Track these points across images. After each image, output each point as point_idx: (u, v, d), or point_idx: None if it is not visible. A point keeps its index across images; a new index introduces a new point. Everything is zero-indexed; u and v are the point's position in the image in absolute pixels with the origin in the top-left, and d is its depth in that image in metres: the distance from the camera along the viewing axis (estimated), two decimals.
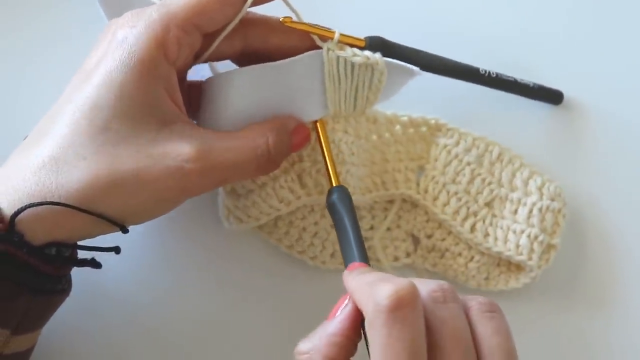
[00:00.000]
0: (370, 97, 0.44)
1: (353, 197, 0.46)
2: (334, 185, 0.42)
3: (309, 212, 0.48)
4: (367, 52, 0.43)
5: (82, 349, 0.46)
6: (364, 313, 0.34)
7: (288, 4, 0.42)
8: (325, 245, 0.49)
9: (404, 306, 0.32)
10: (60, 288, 0.39)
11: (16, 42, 0.51)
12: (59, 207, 0.36)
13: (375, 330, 0.32)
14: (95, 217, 0.36)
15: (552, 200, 0.47)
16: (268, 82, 0.42)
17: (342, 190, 0.42)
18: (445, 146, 0.48)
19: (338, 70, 0.42)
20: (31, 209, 0.35)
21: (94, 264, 0.40)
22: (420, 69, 0.44)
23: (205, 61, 0.43)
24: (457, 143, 0.48)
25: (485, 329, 0.35)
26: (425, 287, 0.35)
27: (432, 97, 0.49)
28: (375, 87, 0.43)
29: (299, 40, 0.42)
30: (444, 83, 0.49)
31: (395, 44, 0.45)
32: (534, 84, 0.51)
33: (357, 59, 0.42)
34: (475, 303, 0.36)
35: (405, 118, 0.48)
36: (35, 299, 0.37)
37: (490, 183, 0.48)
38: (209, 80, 0.43)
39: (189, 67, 0.44)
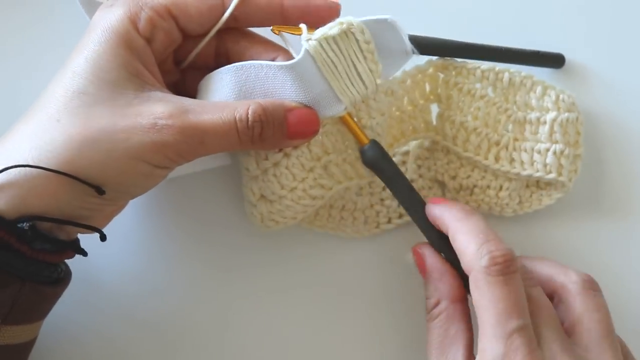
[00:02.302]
0: (372, 66, 0.42)
1: None
2: (366, 141, 0.43)
3: None
4: (338, 20, 0.42)
5: (83, 346, 0.46)
6: (465, 265, 0.39)
7: (284, 40, 0.43)
8: (356, 216, 0.49)
9: (504, 272, 0.37)
10: (50, 276, 0.38)
11: (19, 44, 0.50)
12: (32, 171, 0.35)
13: (482, 287, 0.37)
14: (69, 178, 0.36)
15: (570, 111, 0.47)
16: (265, 82, 0.41)
17: (377, 145, 0.43)
18: (456, 84, 0.47)
19: (327, 54, 0.41)
20: (2, 176, 0.35)
21: (78, 249, 0.40)
22: (418, 52, 0.45)
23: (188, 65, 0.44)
24: (467, 79, 0.47)
25: (585, 305, 0.39)
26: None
27: None
28: (368, 53, 0.42)
29: (263, 44, 0.44)
30: None
31: None
32: (534, 50, 0.50)
33: (333, 31, 0.41)
34: (576, 278, 0.40)
35: (413, 69, 0.47)
36: (24, 287, 0.36)
37: (506, 109, 0.47)
38: (205, 78, 0.43)
39: (171, 71, 0.44)
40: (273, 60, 0.42)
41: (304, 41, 0.41)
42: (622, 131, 0.52)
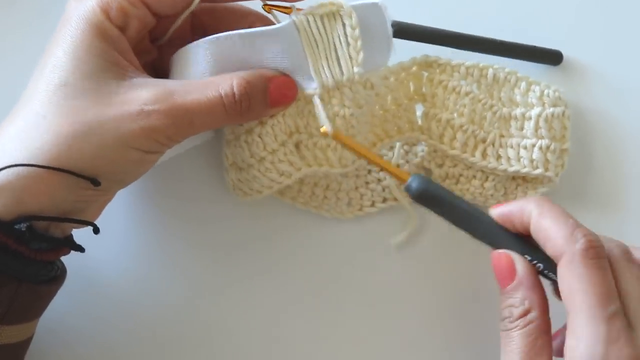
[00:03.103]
0: (352, 53, 0.42)
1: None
2: (406, 178, 0.41)
3: None
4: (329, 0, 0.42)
5: (81, 346, 0.47)
6: (555, 249, 0.37)
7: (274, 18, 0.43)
8: (340, 196, 0.49)
9: (599, 256, 0.36)
10: (47, 275, 0.39)
11: (18, 41, 0.51)
12: (23, 170, 0.35)
13: (578, 270, 0.36)
14: (64, 174, 0.36)
15: (555, 106, 0.46)
16: (242, 52, 0.41)
17: (420, 178, 0.41)
18: (441, 82, 0.46)
19: (312, 31, 0.41)
20: None
21: (75, 246, 0.40)
22: (414, 39, 0.44)
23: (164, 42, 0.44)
24: (451, 76, 0.46)
25: None
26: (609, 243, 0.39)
27: None
28: (352, 39, 0.42)
29: (238, 11, 0.44)
30: (436, 53, 0.47)
31: None
32: (531, 46, 0.49)
33: (321, 9, 0.41)
34: None
35: (396, 66, 0.46)
36: (21, 287, 0.37)
37: (492, 106, 0.47)
38: (176, 54, 0.42)
39: (149, 49, 0.44)
40: (250, 27, 0.42)
41: (293, 15, 0.41)
42: (619, 128, 0.51)
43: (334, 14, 0.42)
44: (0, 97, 0.48)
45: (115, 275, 0.48)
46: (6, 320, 0.37)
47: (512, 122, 0.47)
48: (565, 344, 0.36)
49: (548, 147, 0.46)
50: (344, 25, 0.42)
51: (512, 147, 0.46)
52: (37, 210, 0.36)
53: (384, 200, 0.49)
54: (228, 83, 0.39)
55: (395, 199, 0.49)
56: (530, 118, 0.46)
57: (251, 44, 0.41)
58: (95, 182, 0.37)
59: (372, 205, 0.50)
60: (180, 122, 0.38)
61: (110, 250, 0.48)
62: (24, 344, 0.40)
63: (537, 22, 0.52)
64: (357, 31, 0.41)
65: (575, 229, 0.37)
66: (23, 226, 0.36)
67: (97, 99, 0.37)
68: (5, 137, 0.37)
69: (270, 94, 0.41)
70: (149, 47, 0.44)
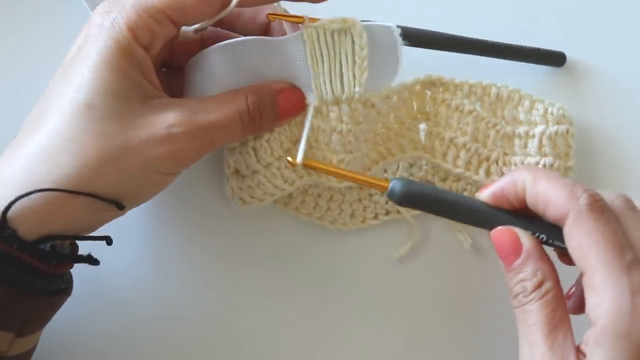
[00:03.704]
0: (357, 72, 0.42)
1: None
2: (386, 185, 0.40)
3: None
4: (342, 17, 0.42)
5: (86, 348, 0.47)
6: (558, 209, 0.36)
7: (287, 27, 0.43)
8: (343, 208, 0.49)
9: (604, 209, 0.36)
10: (63, 287, 0.40)
11: (19, 42, 0.51)
12: (49, 194, 0.36)
13: (587, 225, 0.35)
14: (87, 197, 0.36)
15: (559, 123, 0.46)
16: (254, 58, 0.41)
17: (399, 183, 0.39)
18: (444, 100, 0.46)
19: (320, 45, 0.41)
20: (22, 200, 0.35)
21: (91, 260, 0.41)
22: (417, 45, 0.44)
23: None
24: (454, 94, 0.46)
25: None
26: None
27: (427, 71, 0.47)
28: (359, 58, 0.42)
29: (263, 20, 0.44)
30: (439, 57, 0.48)
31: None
32: (534, 48, 0.49)
33: (334, 25, 0.42)
34: None
35: (399, 86, 0.46)
36: (38, 301, 0.37)
37: (495, 124, 0.47)
38: (191, 60, 0.42)
39: (167, 60, 0.44)
40: None
41: (304, 26, 0.41)
42: (624, 130, 0.51)
43: (345, 31, 0.42)
44: (0, 98, 0.49)
45: (117, 279, 0.48)
46: (23, 332, 0.38)
47: (516, 140, 0.47)
48: (587, 305, 0.35)
49: (552, 165, 0.46)
50: (353, 43, 0.42)
51: (515, 165, 0.46)
52: (59, 230, 0.37)
53: (387, 212, 0.50)
54: (242, 98, 0.40)
55: (398, 212, 0.49)
56: (533, 136, 0.46)
57: (262, 51, 0.41)
58: (119, 205, 0.38)
59: (375, 217, 0.50)
60: (204, 142, 0.39)
61: (112, 259, 0.47)
62: (31, 351, 0.41)
63: (540, 23, 0.52)
64: (365, 51, 0.42)
65: (573, 186, 0.37)
66: (47, 246, 0.37)
67: (123, 122, 0.37)
68: (25, 153, 0.37)
69: (279, 107, 0.42)
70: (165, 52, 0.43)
